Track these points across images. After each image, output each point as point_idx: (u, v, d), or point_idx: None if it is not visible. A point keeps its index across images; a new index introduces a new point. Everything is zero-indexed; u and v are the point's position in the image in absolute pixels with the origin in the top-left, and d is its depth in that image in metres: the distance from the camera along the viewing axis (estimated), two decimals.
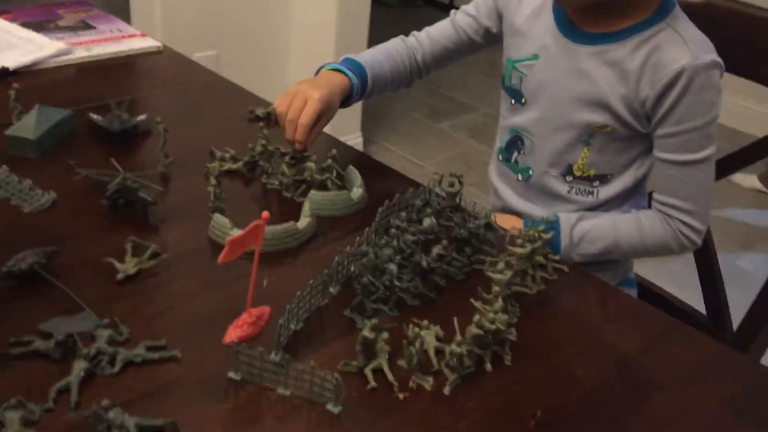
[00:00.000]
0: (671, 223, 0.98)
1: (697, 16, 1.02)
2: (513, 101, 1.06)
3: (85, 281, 0.79)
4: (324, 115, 0.99)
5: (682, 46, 0.92)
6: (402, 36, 1.16)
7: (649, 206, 1.04)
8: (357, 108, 2.60)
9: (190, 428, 0.63)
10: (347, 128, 2.61)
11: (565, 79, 0.99)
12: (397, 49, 1.13)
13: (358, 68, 1.06)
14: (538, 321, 0.80)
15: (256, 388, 0.68)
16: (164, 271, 0.83)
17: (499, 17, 1.08)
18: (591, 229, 0.99)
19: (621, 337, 0.80)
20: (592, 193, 1.03)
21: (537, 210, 1.06)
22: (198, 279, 0.83)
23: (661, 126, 0.95)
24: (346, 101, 1.06)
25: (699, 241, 1.00)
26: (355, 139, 2.65)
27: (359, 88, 1.05)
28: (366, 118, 2.69)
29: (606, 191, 1.03)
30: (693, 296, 1.19)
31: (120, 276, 0.80)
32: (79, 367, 0.66)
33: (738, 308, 1.11)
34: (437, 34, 1.13)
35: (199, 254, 0.87)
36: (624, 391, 0.73)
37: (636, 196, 1.06)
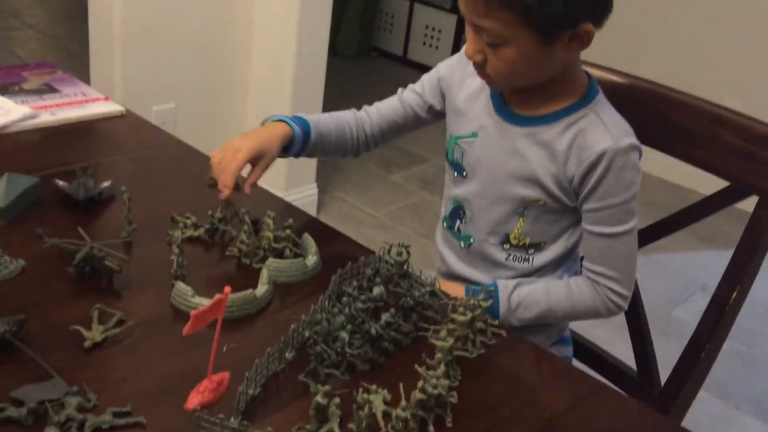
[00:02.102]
0: (599, 289, 1.07)
1: (620, 95, 1.13)
2: (455, 174, 1.15)
3: (54, 348, 0.83)
4: (258, 162, 1.08)
5: (603, 131, 1.02)
6: (354, 109, 1.25)
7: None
8: (312, 160, 2.68)
9: None
10: (303, 179, 2.69)
11: (501, 156, 1.08)
12: (345, 117, 1.23)
13: (301, 121, 1.15)
14: (477, 383, 0.88)
15: None
16: (129, 338, 0.88)
17: (443, 96, 1.18)
18: (527, 296, 1.08)
19: (551, 397, 0.88)
20: (527, 260, 1.12)
21: (478, 274, 1.14)
22: (161, 345, 0.88)
23: (587, 201, 1.04)
24: (287, 149, 1.13)
25: (625, 305, 1.09)
26: (310, 190, 2.73)
27: (301, 139, 1.13)
28: (321, 169, 2.77)
29: (540, 258, 1.11)
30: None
31: (87, 343, 0.85)
32: None
33: (673, 360, 1.19)
34: (386, 108, 1.23)
35: (161, 321, 0.92)
36: None
37: (569, 262, 1.15)
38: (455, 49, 4.30)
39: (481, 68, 1.02)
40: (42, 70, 1.56)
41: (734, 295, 1.13)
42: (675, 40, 3.36)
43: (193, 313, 0.75)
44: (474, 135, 1.11)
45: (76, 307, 0.91)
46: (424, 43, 4.42)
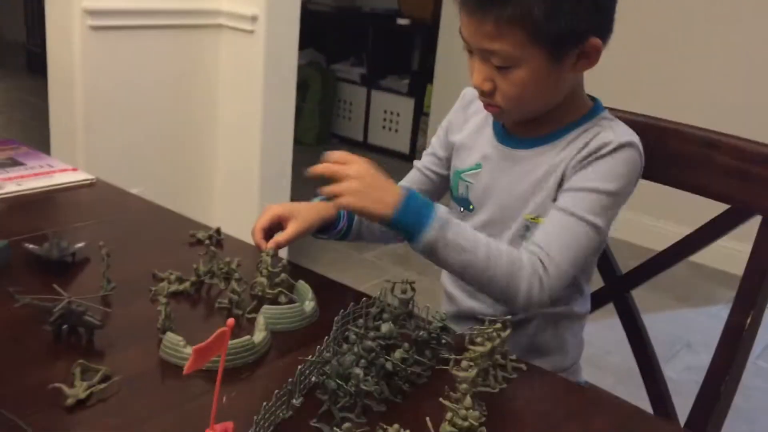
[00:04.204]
0: (530, 258, 0.95)
1: None
2: (462, 209, 1.11)
3: (35, 410, 0.74)
4: (289, 222, 1.08)
5: (609, 131, 1.00)
6: None
7: (590, 303, 1.08)
8: None
9: None
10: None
11: (506, 181, 1.05)
12: None
13: None
14: (503, 419, 0.80)
15: None
16: (116, 395, 0.79)
17: (452, 145, 1.15)
18: (462, 229, 0.96)
19: (589, 427, 0.81)
20: None
21: (489, 308, 1.08)
22: (152, 400, 0.79)
23: (570, 180, 0.99)
24: (330, 226, 1.13)
25: (546, 297, 0.95)
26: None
27: (345, 219, 1.13)
28: (291, 253, 2.70)
29: None
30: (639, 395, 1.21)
31: (70, 401, 0.75)
32: None
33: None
34: (408, 183, 1.19)
35: (151, 375, 0.83)
36: None
37: (571, 288, 1.08)
38: (414, 130, 4.35)
39: (489, 98, 1.00)
40: (6, 146, 1.49)
41: (749, 320, 1.08)
42: (656, 75, 3.40)
43: (194, 347, 0.67)
44: (478, 166, 1.08)
45: (55, 366, 0.82)
46: (384, 127, 4.47)
